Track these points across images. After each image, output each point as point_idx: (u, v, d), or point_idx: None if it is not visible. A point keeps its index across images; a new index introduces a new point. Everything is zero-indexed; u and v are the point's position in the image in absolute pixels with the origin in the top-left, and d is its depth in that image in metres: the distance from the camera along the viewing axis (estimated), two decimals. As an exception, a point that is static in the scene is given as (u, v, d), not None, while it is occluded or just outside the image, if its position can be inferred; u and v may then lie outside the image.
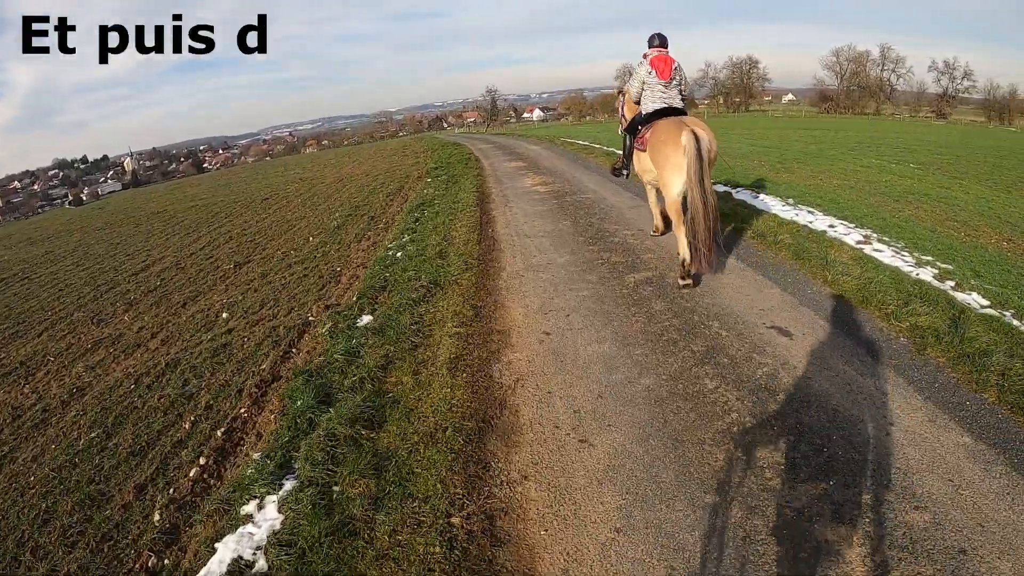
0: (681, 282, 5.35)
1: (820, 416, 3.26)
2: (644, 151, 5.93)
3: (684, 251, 5.34)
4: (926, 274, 5.29)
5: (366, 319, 5.81)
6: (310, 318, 7.15)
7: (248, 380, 5.87)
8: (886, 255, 5.88)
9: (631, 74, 6.55)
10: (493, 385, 3.99)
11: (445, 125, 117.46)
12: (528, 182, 12.30)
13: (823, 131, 30.22)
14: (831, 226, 7.08)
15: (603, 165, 13.40)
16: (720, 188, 9.55)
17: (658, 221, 7.16)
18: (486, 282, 6.18)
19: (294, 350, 6.38)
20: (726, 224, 7.01)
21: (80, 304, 11.50)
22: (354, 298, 6.65)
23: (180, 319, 8.96)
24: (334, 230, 12.19)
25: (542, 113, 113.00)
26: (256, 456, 3.68)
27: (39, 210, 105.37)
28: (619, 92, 7.46)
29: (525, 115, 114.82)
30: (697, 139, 4.96)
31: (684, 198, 5.30)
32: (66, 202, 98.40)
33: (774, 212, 7.94)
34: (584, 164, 14.48)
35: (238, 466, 4.10)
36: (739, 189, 9.77)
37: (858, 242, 6.35)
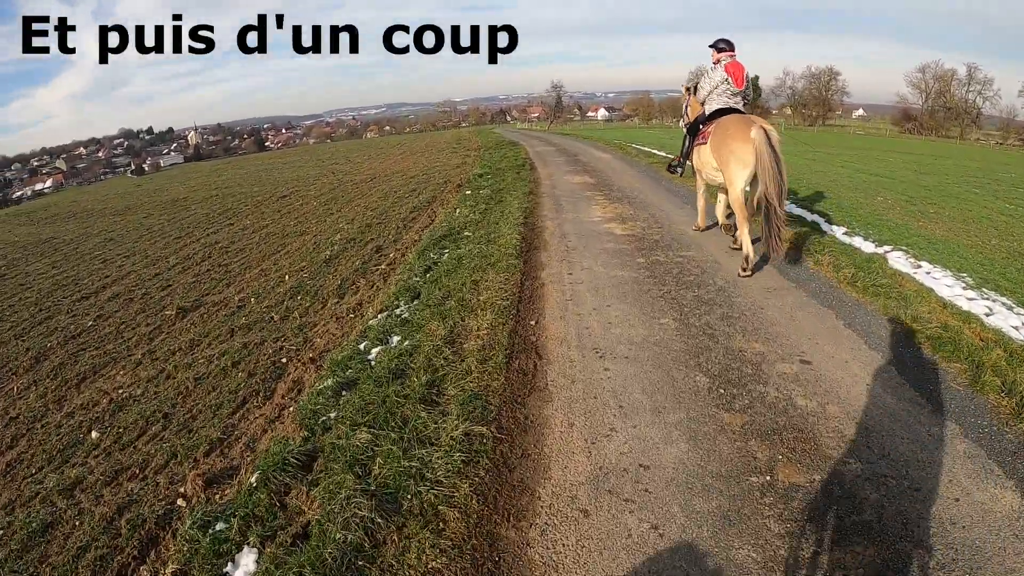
0: (741, 273, 5.54)
1: None
2: (705, 144, 6.05)
3: (747, 247, 5.53)
4: None
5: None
6: (170, 506, 3.71)
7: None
8: None
9: (704, 75, 6.44)
10: None
11: (508, 119, 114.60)
12: (598, 213, 8.56)
13: (920, 156, 27.33)
14: None
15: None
16: (865, 245, 6.77)
17: (701, 220, 7.24)
18: (506, 510, 2.60)
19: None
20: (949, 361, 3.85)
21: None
22: (251, 481, 3.22)
23: (54, 418, 5.81)
24: (322, 265, 8.83)
25: (607, 113, 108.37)
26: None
27: (102, 177, 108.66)
28: (686, 90, 7.12)
29: (590, 114, 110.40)
30: (767, 135, 5.16)
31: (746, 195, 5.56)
32: (128, 171, 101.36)
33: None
34: (670, 187, 10.57)
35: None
36: (889, 249, 6.55)
37: None
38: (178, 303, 8.61)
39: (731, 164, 5.47)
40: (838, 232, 7.37)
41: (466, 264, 6.40)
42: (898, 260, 6.20)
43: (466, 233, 8.10)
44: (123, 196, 33.73)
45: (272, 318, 7.05)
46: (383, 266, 7.92)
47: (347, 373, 4.55)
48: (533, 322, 4.67)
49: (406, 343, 4.73)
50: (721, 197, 6.69)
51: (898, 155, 27.18)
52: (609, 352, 4.05)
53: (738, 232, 5.73)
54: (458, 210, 10.04)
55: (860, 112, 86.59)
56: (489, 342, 4.29)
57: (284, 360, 5.73)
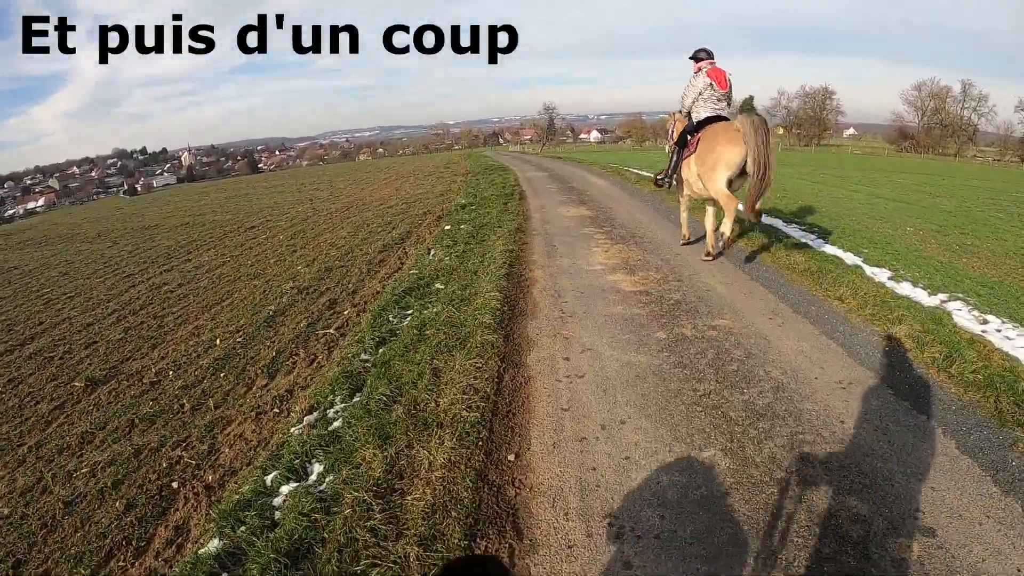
0: (706, 258, 6.44)
1: None
2: (694, 155, 6.09)
3: (728, 225, 5.85)
4: None
5: None
6: None
7: None
8: None
9: (687, 84, 6.38)
10: None
11: (501, 141, 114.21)
12: (599, 258, 7.06)
13: (926, 176, 26.36)
14: None
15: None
16: (917, 293, 5.68)
17: (686, 230, 7.38)
18: None
19: None
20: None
21: None
22: None
23: None
24: (262, 325, 7.26)
25: (600, 135, 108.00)
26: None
27: (94, 196, 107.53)
28: (672, 115, 7.15)
29: (582, 136, 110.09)
30: (754, 125, 5.29)
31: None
32: (121, 191, 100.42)
33: None
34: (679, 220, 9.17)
35: None
36: (946, 299, 5.47)
37: None
38: (91, 372, 7.03)
39: (718, 168, 5.68)
40: (884, 276, 6.13)
41: (429, 338, 4.87)
42: (961, 315, 5.02)
43: (437, 286, 6.58)
44: (102, 220, 32.70)
45: (183, 406, 5.46)
46: (332, 329, 6.37)
47: (238, 532, 3.02)
48: (512, 457, 3.12)
49: (327, 481, 3.22)
50: (709, 208, 6.79)
51: (904, 176, 26.29)
52: (631, 527, 2.52)
53: (724, 219, 5.94)
54: (433, 251, 8.54)
55: (851, 131, 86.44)
56: (443, 499, 2.76)
57: (175, 484, 4.15)
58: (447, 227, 10.28)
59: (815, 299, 5.33)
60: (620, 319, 4.95)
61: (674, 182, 6.98)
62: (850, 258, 6.91)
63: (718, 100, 6.16)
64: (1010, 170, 46.56)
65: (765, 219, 9.30)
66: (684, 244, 7.33)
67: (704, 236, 6.99)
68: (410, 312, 5.87)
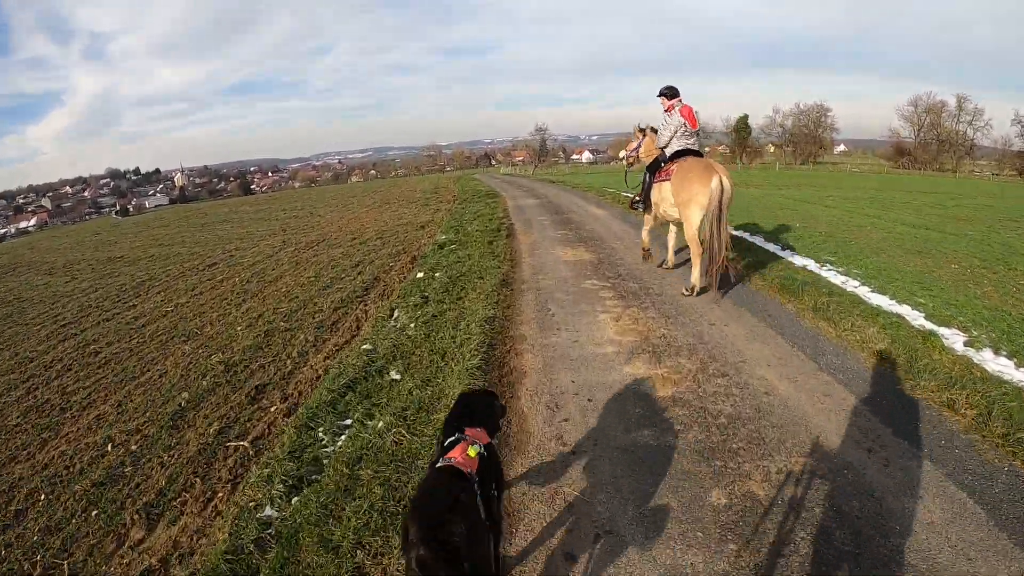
0: (685, 292, 6.35)
1: None
2: (667, 181, 6.60)
3: (695, 277, 6.29)
4: None
5: None
6: None
7: None
8: None
9: (662, 122, 6.91)
10: None
11: (493, 162, 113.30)
12: (610, 334, 5.34)
13: (939, 195, 25.03)
14: None
15: (767, 292, 6.55)
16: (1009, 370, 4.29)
17: (646, 243, 7.99)
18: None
19: None
20: None
21: None
22: None
23: None
24: (166, 425, 5.49)
25: (592, 156, 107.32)
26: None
27: (86, 217, 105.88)
28: (641, 132, 7.57)
29: (574, 157, 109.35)
30: (723, 187, 5.79)
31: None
32: (113, 212, 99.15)
33: None
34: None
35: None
36: None
37: None
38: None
39: (690, 206, 6.07)
40: (959, 342, 4.84)
41: (363, 489, 3.20)
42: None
43: (392, 375, 4.91)
44: (77, 247, 31.17)
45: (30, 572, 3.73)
46: (246, 441, 4.64)
47: None
48: None
49: None
50: (671, 231, 7.49)
51: (912, 195, 25.13)
52: None
53: (693, 271, 6.37)
54: (397, 313, 6.87)
55: (842, 148, 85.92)
56: None
57: None
58: (420, 274, 8.62)
59: (913, 402, 3.74)
60: (650, 464, 3.27)
61: (646, 204, 7.45)
62: (915, 317, 5.52)
63: (689, 135, 6.73)
64: (1010, 184, 45.63)
65: (798, 259, 7.80)
66: (664, 267, 7.67)
67: (688, 262, 6.87)
68: (348, 426, 4.18)
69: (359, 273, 10.50)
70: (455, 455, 2.04)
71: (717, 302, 6.13)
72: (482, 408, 2.37)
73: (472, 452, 2.06)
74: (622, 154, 7.95)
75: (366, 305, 8.01)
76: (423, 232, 14.25)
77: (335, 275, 10.77)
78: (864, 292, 6.36)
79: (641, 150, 7.44)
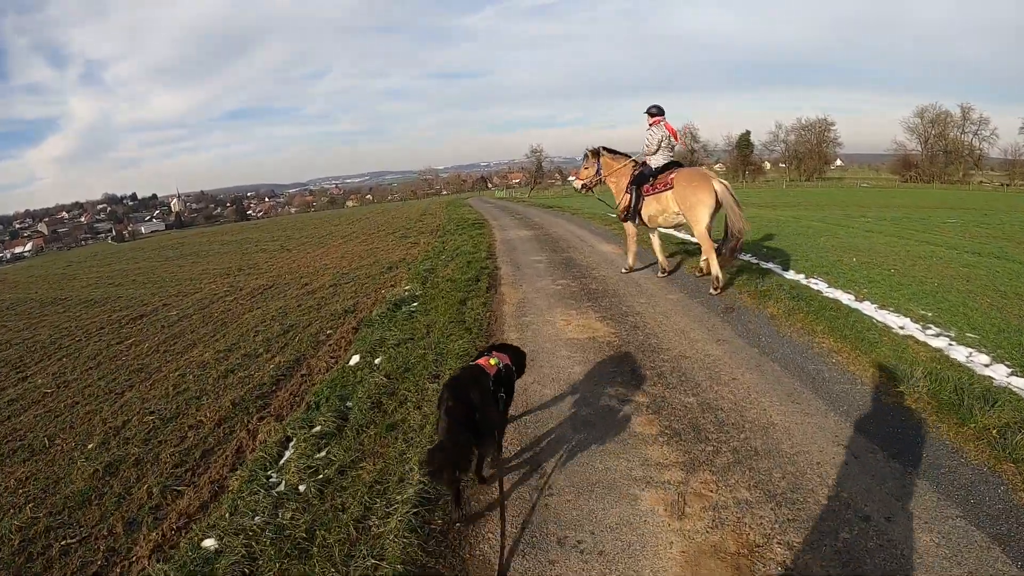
0: (713, 292, 6.74)
1: None
2: (666, 192, 7.03)
3: (716, 269, 6.76)
4: None
5: None
6: None
7: None
8: None
9: (648, 133, 7.42)
10: None
11: (489, 185, 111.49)
12: (677, 549, 2.72)
13: (970, 211, 23.59)
14: None
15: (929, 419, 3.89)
16: None
17: (632, 260, 8.41)
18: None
19: None
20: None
21: None
22: None
23: None
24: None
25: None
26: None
27: (83, 242, 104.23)
28: (594, 154, 8.06)
29: (570, 178, 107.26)
30: (724, 186, 6.60)
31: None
32: (109, 237, 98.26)
33: None
34: (796, 362, 4.99)
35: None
36: None
37: None
38: None
39: (699, 208, 6.70)
40: None
41: None
42: None
43: None
44: (36, 281, 28.86)
45: None
46: None
47: None
48: None
49: None
50: (654, 238, 8.08)
51: (946, 212, 23.11)
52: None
53: (707, 259, 7.14)
54: (289, 452, 4.14)
55: (838, 163, 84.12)
56: None
57: None
58: (355, 359, 5.91)
59: None
60: None
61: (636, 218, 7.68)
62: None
63: (671, 148, 7.42)
64: (1022, 195, 43.40)
65: (887, 318, 5.01)
66: (626, 272, 8.37)
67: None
68: None
69: (281, 348, 7.78)
70: (480, 361, 3.09)
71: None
72: (511, 350, 3.42)
73: (492, 362, 3.09)
74: (578, 184, 8.32)
75: (262, 419, 5.27)
76: (389, 275, 11.58)
77: (251, 350, 8.04)
78: (989, 369, 4.32)
79: (604, 170, 7.97)
